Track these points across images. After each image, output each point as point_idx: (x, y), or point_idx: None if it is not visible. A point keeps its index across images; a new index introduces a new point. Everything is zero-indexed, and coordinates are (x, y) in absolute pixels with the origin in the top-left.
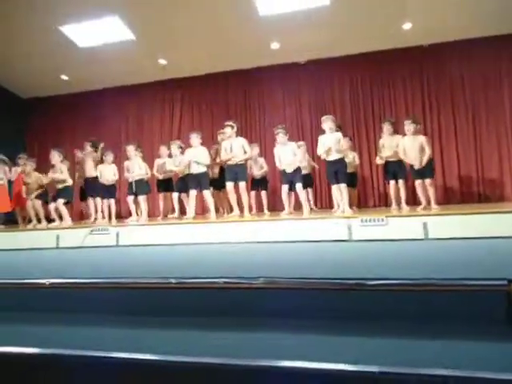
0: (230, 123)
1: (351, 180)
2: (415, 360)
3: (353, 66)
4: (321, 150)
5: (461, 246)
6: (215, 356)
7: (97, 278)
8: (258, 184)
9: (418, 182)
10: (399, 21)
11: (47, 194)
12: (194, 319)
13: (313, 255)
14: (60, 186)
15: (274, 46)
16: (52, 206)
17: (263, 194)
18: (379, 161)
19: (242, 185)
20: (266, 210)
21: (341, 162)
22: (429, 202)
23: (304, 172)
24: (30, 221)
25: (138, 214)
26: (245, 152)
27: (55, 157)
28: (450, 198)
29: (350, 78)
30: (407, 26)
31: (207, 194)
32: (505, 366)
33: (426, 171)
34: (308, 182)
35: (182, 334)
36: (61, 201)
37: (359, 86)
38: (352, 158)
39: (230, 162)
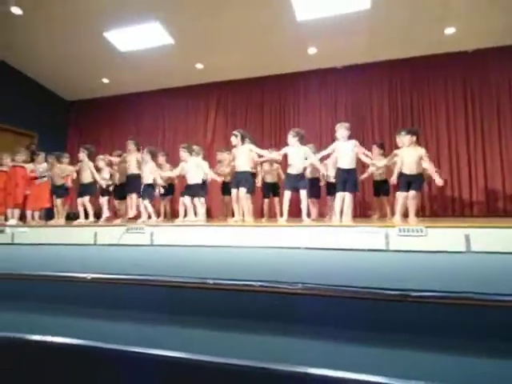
0: (234, 132)
1: (384, 188)
2: (458, 377)
3: (392, 71)
4: (336, 158)
5: (505, 261)
6: (248, 359)
7: (135, 275)
8: (269, 190)
9: (403, 194)
10: (441, 25)
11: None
12: (229, 321)
13: (349, 264)
14: (86, 181)
15: (312, 50)
16: (79, 201)
17: (276, 200)
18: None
19: (242, 190)
20: (282, 217)
21: (353, 171)
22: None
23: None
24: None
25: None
26: (259, 156)
27: (81, 154)
28: (492, 210)
29: (388, 84)
30: (450, 30)
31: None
32: None
33: (415, 184)
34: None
35: (216, 335)
36: (86, 197)
37: (398, 92)
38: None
39: (235, 170)
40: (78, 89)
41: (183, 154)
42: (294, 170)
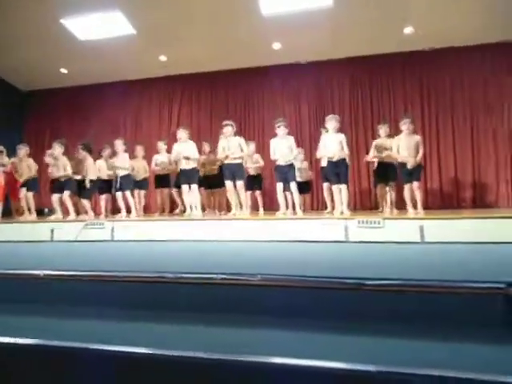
0: (231, 122)
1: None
2: (411, 360)
3: (353, 68)
4: (322, 152)
5: (457, 250)
6: (210, 351)
7: (92, 271)
8: (252, 183)
9: (407, 186)
10: (401, 24)
11: (37, 184)
12: (189, 314)
13: (310, 255)
14: (63, 178)
15: (276, 45)
16: (55, 197)
17: (257, 193)
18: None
19: (240, 183)
20: (261, 210)
21: (343, 162)
22: (415, 206)
23: (300, 180)
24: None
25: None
26: (242, 151)
27: (57, 149)
28: (446, 201)
29: (350, 80)
30: (408, 29)
31: (194, 188)
32: (502, 369)
33: (416, 174)
34: (305, 188)
35: (177, 329)
36: (67, 193)
37: (359, 88)
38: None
39: (227, 161)
40: (34, 79)
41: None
42: (281, 161)
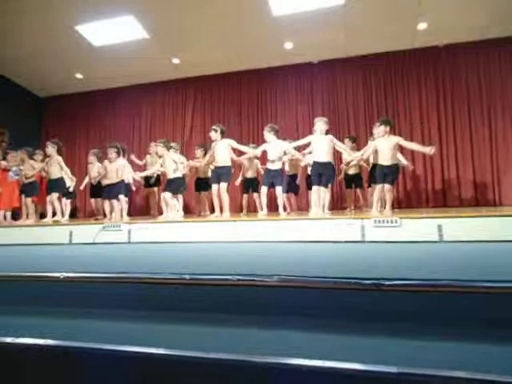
0: (214, 127)
1: (357, 181)
2: (432, 361)
3: (367, 66)
4: (311, 152)
5: (476, 249)
6: (227, 352)
7: (111, 273)
8: (249, 185)
9: (379, 187)
10: (414, 21)
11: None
12: (206, 315)
13: (326, 255)
14: (54, 177)
15: (288, 45)
16: (48, 198)
17: (255, 196)
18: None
19: (223, 185)
20: (261, 211)
21: (329, 165)
22: (384, 207)
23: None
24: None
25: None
26: (235, 150)
27: (49, 148)
28: (463, 200)
29: (363, 79)
30: (422, 26)
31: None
32: None
33: (390, 175)
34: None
35: (194, 330)
36: (55, 195)
37: (373, 86)
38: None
39: (214, 164)
40: (51, 84)
41: (160, 149)
42: (272, 165)
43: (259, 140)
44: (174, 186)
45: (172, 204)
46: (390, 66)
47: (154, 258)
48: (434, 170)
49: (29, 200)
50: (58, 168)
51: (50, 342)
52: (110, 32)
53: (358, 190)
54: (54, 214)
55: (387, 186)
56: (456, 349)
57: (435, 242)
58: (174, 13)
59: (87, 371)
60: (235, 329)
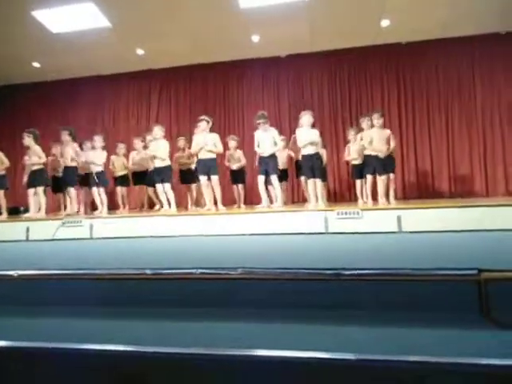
0: (206, 118)
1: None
2: (391, 347)
3: (332, 61)
4: (300, 144)
5: (433, 239)
6: (190, 346)
7: (69, 269)
8: (235, 177)
9: (382, 177)
10: (378, 18)
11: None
12: (170, 310)
13: (290, 247)
14: (35, 168)
15: (255, 38)
16: (31, 191)
17: (240, 187)
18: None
19: (215, 178)
20: (242, 204)
21: (317, 156)
22: (388, 197)
23: (282, 167)
24: None
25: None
26: (216, 147)
27: (25, 139)
28: (422, 192)
29: (328, 74)
30: (385, 23)
31: (168, 187)
32: (476, 352)
33: (390, 166)
34: (284, 176)
35: (157, 325)
36: (40, 188)
37: (337, 81)
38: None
39: (201, 156)
40: (6, 73)
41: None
42: (265, 152)
43: (225, 132)
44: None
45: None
46: (354, 62)
47: (115, 253)
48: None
49: (1, 193)
50: (36, 159)
51: (6, 343)
52: (70, 19)
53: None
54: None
55: (392, 176)
56: (410, 334)
57: (395, 232)
58: (138, 1)
59: (48, 371)
60: (197, 323)
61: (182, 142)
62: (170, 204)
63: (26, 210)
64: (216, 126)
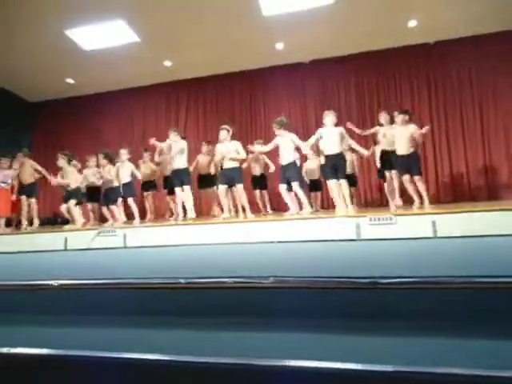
0: (226, 127)
1: (351, 179)
2: (430, 358)
3: (358, 64)
4: (324, 144)
5: (471, 244)
6: (225, 356)
7: (106, 279)
8: (257, 183)
9: (406, 177)
10: (404, 18)
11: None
12: (203, 319)
13: (322, 255)
14: (69, 188)
15: (279, 46)
16: (64, 207)
17: (264, 193)
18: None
19: (240, 187)
20: (268, 210)
21: (341, 156)
22: (421, 200)
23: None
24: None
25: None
26: (238, 153)
27: (60, 160)
28: (457, 195)
29: (355, 77)
30: (412, 23)
31: (187, 189)
32: None
33: (414, 166)
34: (318, 186)
35: (191, 335)
36: (73, 201)
37: (365, 84)
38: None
39: (224, 166)
40: (41, 90)
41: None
42: (284, 160)
43: (252, 140)
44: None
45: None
46: (382, 64)
47: (149, 262)
48: (427, 166)
49: (33, 200)
50: (73, 179)
51: (45, 351)
52: (101, 36)
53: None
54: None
55: (417, 177)
56: (452, 345)
57: (430, 238)
58: (165, 16)
59: (84, 380)
60: (233, 332)
61: (205, 147)
62: (185, 210)
63: (64, 222)
64: (242, 134)
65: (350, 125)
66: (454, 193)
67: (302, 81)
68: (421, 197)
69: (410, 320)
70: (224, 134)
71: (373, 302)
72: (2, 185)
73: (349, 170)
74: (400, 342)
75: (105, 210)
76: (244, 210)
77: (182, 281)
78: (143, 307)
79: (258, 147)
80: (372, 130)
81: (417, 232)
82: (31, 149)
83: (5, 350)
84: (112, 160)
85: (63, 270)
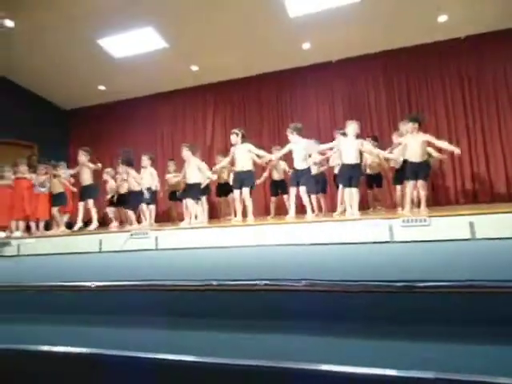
0: (235, 130)
1: (378, 181)
2: (472, 366)
3: (387, 61)
4: (342, 153)
5: (510, 246)
6: (256, 358)
7: (139, 281)
8: (277, 187)
9: (411, 183)
10: (434, 13)
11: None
12: (234, 322)
13: (354, 257)
14: (86, 183)
15: (306, 46)
16: (80, 204)
17: (285, 197)
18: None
19: (246, 190)
20: (291, 213)
21: (358, 167)
22: (419, 205)
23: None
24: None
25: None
26: (257, 156)
27: (81, 156)
28: (495, 196)
29: (384, 75)
30: (443, 18)
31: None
32: None
33: (422, 172)
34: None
35: (222, 337)
36: (90, 201)
37: (394, 83)
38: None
39: (235, 169)
40: (75, 97)
41: (186, 153)
42: (297, 165)
43: (280, 142)
44: (195, 191)
45: (194, 210)
46: (412, 61)
47: (181, 264)
48: (462, 165)
49: (56, 210)
50: (89, 175)
51: (83, 350)
52: (130, 43)
53: (376, 190)
54: (88, 222)
55: (421, 182)
56: (495, 353)
57: (467, 239)
58: (191, 21)
59: (119, 379)
60: (263, 335)
61: (220, 158)
62: (196, 217)
63: (86, 224)
64: (271, 136)
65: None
66: (491, 193)
67: (329, 81)
68: (418, 202)
69: (449, 325)
70: (234, 138)
71: (407, 307)
72: (42, 190)
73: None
74: (439, 348)
75: (130, 213)
76: (245, 213)
77: (214, 283)
78: (176, 309)
79: (269, 156)
80: (395, 154)
81: (453, 233)
82: (67, 156)
83: (46, 347)
84: (130, 163)
85: (98, 272)
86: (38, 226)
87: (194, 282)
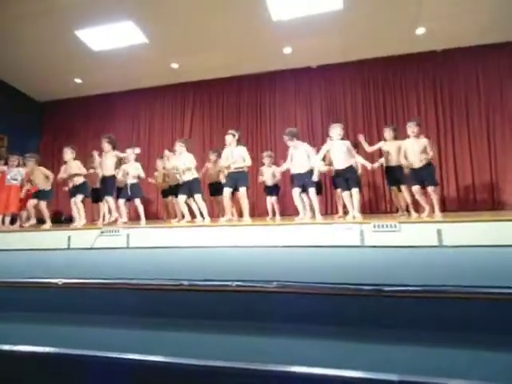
0: (232, 131)
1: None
2: (433, 368)
3: (365, 70)
4: (332, 158)
5: (476, 253)
6: (225, 360)
7: (109, 279)
8: (270, 191)
9: (416, 188)
10: (412, 26)
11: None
12: (205, 322)
13: (325, 260)
14: (77, 182)
15: (287, 50)
16: (72, 200)
17: (274, 200)
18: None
19: (243, 190)
20: (277, 216)
21: (351, 169)
22: (433, 209)
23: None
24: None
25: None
26: (244, 160)
27: (68, 154)
28: (463, 204)
29: (362, 83)
30: (420, 30)
31: (198, 198)
32: None
33: (427, 176)
34: (318, 188)
35: (192, 337)
36: (79, 197)
37: (371, 90)
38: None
39: (230, 170)
40: (50, 89)
41: (181, 148)
42: (300, 169)
43: (258, 143)
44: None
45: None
46: (389, 71)
47: (151, 263)
48: None
49: (43, 204)
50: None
51: (47, 349)
52: (109, 37)
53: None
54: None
55: (432, 188)
56: (457, 356)
57: (435, 246)
58: (173, 18)
59: (85, 379)
60: (234, 336)
61: (212, 156)
62: (202, 215)
63: (67, 220)
64: (249, 138)
65: (361, 138)
66: (458, 202)
67: (308, 85)
68: (432, 206)
69: (414, 329)
70: (230, 139)
71: (376, 310)
72: (13, 182)
73: None
74: (403, 351)
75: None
76: (242, 213)
77: (185, 283)
78: (146, 308)
79: (278, 168)
80: (376, 147)
81: (422, 240)
82: (39, 148)
83: (7, 347)
84: (115, 146)
85: (66, 269)
86: (3, 220)
87: (165, 282)
